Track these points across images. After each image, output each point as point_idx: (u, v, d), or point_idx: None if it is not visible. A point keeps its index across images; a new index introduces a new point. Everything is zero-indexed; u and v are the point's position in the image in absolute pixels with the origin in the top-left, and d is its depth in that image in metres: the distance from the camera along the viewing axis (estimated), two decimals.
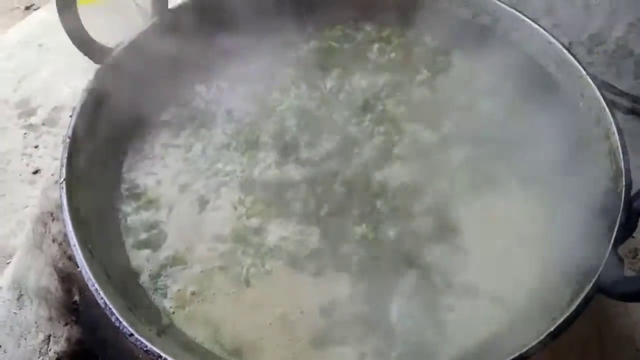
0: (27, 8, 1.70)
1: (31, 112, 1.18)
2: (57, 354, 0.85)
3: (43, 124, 1.17)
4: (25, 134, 1.15)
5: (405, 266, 0.73)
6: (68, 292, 0.88)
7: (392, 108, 0.88)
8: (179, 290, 0.72)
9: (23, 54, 1.27)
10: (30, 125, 1.16)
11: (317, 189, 0.80)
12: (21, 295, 0.90)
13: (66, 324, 0.88)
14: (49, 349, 0.86)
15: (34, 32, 1.32)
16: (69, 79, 1.19)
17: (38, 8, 1.59)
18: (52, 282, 0.90)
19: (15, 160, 1.11)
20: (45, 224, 0.93)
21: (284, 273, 0.73)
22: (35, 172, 1.10)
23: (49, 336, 0.87)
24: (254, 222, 0.77)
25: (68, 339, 0.86)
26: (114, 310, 0.60)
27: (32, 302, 0.89)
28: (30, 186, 1.08)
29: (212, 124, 0.86)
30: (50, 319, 0.88)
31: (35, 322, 0.88)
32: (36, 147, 1.14)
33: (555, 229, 0.74)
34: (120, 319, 0.59)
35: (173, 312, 0.70)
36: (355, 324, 0.70)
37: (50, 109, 1.18)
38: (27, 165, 1.11)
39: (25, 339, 0.86)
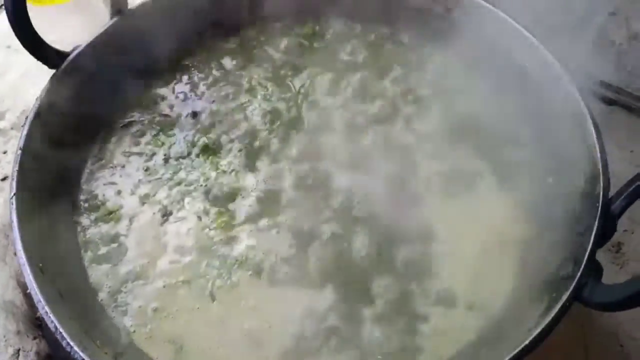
0: None
1: None
2: None
3: (12, 129, 1.12)
4: None
5: (378, 274, 0.70)
6: (31, 307, 0.85)
7: (364, 106, 0.84)
8: (140, 306, 0.68)
9: None
10: None
11: (286, 195, 0.76)
12: None
13: (35, 338, 0.85)
14: None
15: (1, 34, 1.27)
16: (38, 82, 1.14)
17: None
18: (17, 296, 0.87)
19: None
20: (7, 236, 0.90)
21: (251, 285, 0.70)
22: (4, 179, 1.06)
23: (19, 350, 0.84)
24: (220, 232, 0.74)
25: (37, 353, 0.84)
26: (64, 334, 0.57)
27: None
28: None
29: (176, 130, 0.83)
30: (18, 332, 0.85)
31: (4, 336, 0.85)
32: (5, 152, 1.10)
33: (532, 232, 0.71)
34: (72, 343, 0.56)
35: (133, 331, 0.67)
36: (327, 336, 0.66)
37: (19, 113, 1.14)
38: None
39: None
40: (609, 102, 1.02)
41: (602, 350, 0.79)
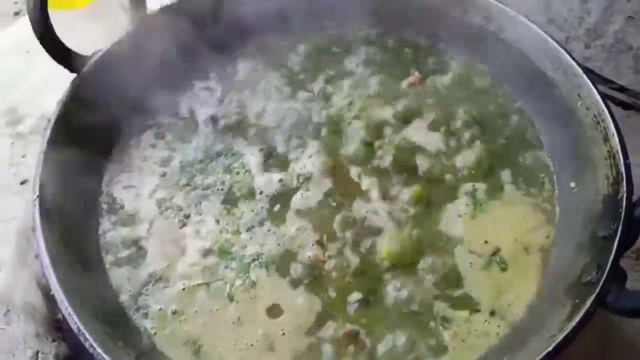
0: (16, 14, 1.67)
1: (18, 121, 1.15)
2: None
3: (30, 133, 1.13)
4: (12, 143, 1.12)
5: (401, 279, 0.70)
6: (51, 309, 0.86)
7: (382, 111, 0.84)
8: (160, 309, 0.69)
9: (10, 60, 1.23)
10: (18, 134, 1.13)
11: (305, 196, 0.77)
12: (8, 310, 0.88)
13: (54, 341, 0.85)
14: None
15: (21, 39, 1.29)
16: (57, 87, 1.15)
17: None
18: (37, 299, 0.88)
19: (2, 170, 1.08)
20: (27, 239, 0.91)
21: (269, 285, 0.70)
22: (23, 183, 1.07)
23: (37, 352, 0.84)
24: (238, 234, 0.74)
25: (56, 356, 0.84)
26: (87, 335, 0.57)
27: (19, 317, 0.87)
28: (18, 197, 1.04)
29: (193, 134, 0.83)
30: (37, 335, 0.85)
31: (24, 339, 0.85)
32: (24, 156, 1.11)
33: (555, 238, 0.71)
34: (94, 344, 0.57)
35: (154, 333, 0.67)
36: (344, 341, 0.66)
37: (38, 117, 1.14)
38: (15, 175, 1.08)
39: (14, 355, 0.84)
40: (627, 106, 1.01)
41: None
